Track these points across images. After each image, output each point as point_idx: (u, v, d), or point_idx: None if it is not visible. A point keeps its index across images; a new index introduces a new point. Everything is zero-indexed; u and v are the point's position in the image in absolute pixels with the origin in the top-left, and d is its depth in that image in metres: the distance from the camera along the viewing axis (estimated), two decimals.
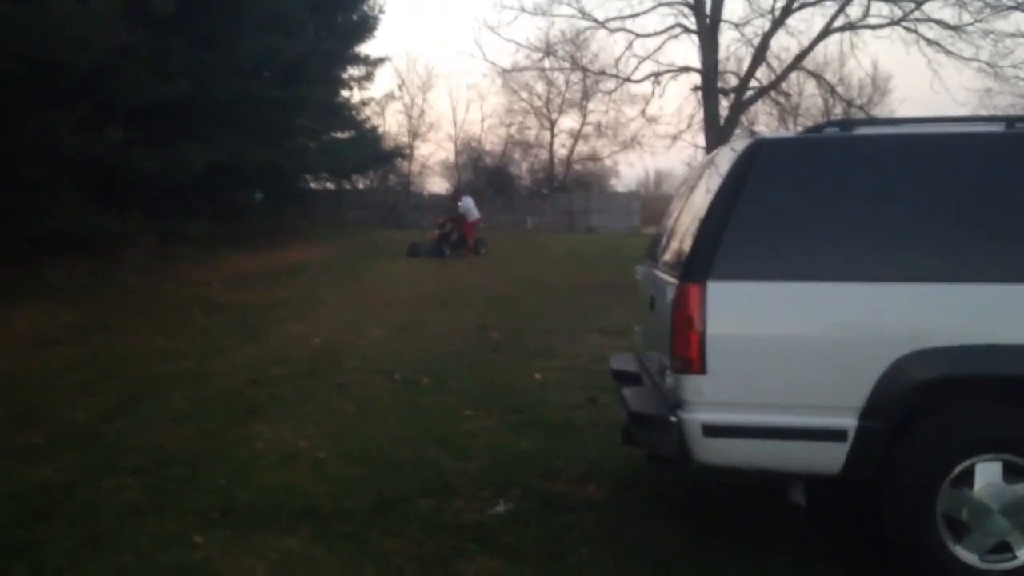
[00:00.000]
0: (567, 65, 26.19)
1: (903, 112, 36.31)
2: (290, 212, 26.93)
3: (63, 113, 12.75)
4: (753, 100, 23.73)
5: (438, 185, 43.06)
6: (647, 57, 23.09)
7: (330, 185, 35.01)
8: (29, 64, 12.10)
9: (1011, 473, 3.30)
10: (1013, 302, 3.32)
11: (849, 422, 3.34)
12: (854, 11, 21.38)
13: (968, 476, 3.32)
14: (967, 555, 3.33)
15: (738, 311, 3.46)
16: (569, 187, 40.93)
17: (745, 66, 22.90)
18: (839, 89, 26.79)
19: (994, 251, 3.39)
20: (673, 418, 3.49)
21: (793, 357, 3.43)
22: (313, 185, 32.33)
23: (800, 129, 4.40)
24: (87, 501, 4.46)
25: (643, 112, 25.73)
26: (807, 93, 29.09)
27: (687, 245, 3.69)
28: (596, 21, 22.67)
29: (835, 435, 3.36)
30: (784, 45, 39.11)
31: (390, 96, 35.93)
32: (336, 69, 27.99)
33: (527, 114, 42.71)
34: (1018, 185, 3.47)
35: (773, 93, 23.90)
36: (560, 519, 4.22)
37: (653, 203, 37.22)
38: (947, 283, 3.37)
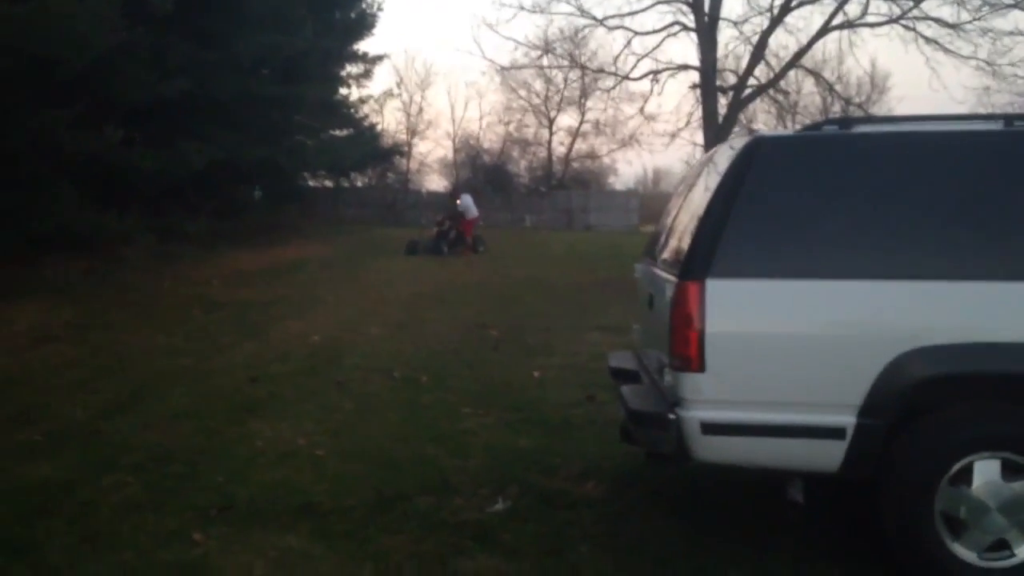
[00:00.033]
0: (566, 63, 26.31)
1: (901, 110, 36.34)
2: (289, 210, 26.93)
3: (62, 111, 12.75)
4: (752, 98, 23.78)
5: (436, 183, 43.07)
6: (646, 55, 23.22)
7: (328, 183, 34.96)
8: (28, 62, 12.10)
9: (1009, 471, 3.31)
10: (1012, 300, 3.33)
11: (848, 420, 3.35)
12: (853, 9, 21.48)
13: (966, 474, 3.32)
14: (965, 553, 3.34)
15: (737, 309, 3.47)
16: (567, 185, 40.90)
17: (744, 64, 22.97)
18: (837, 87, 26.86)
19: (993, 249, 3.39)
20: (672, 416, 3.49)
21: (792, 355, 3.43)
22: (312, 183, 32.31)
23: (799, 127, 4.40)
24: (86, 499, 4.46)
25: (642, 110, 25.86)
26: (805, 91, 29.10)
27: (686, 243, 3.69)
28: (595, 19, 22.79)
29: (834, 433, 3.36)
30: (783, 43, 39.20)
31: (388, 94, 35.88)
32: (334, 67, 27.96)
33: (526, 112, 42.69)
34: (1017, 183, 3.48)
35: (772, 91, 23.96)
36: (559, 517, 4.23)
37: (651, 201, 37.20)
38: (946, 281, 3.37)
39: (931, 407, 3.42)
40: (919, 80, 56.90)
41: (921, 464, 3.34)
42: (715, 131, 20.95)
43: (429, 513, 4.27)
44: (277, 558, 3.78)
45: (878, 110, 35.13)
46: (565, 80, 37.95)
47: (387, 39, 71.36)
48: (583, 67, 26.55)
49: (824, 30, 21.62)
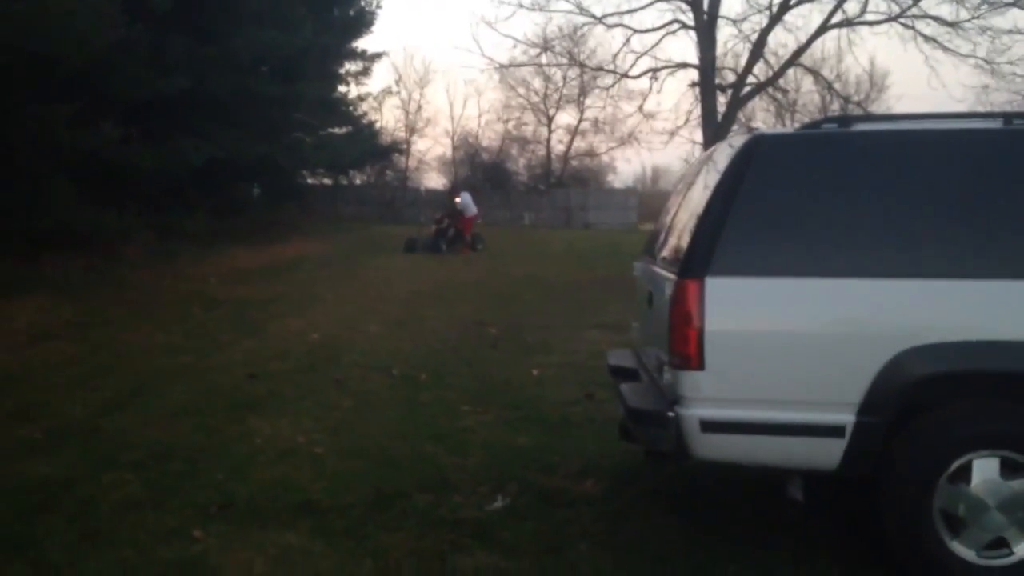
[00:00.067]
0: (565, 61, 26.31)
1: (900, 109, 36.38)
2: (288, 207, 26.88)
3: (61, 108, 12.73)
4: (750, 96, 23.78)
5: (435, 181, 43.01)
6: (645, 53, 23.19)
7: (327, 180, 34.92)
8: (27, 59, 12.08)
9: (1008, 469, 3.31)
10: (1012, 298, 3.33)
11: (847, 418, 3.35)
12: (852, 7, 21.46)
13: (965, 472, 3.33)
14: (964, 551, 3.34)
15: (736, 307, 3.47)
16: (566, 183, 40.86)
17: (743, 62, 22.95)
18: (836, 85, 26.87)
19: (992, 247, 3.40)
20: (671, 414, 3.49)
21: (791, 353, 3.43)
22: (310, 181, 32.26)
23: (798, 125, 4.40)
24: (86, 496, 4.46)
25: (640, 108, 25.85)
26: (804, 89, 29.10)
27: (685, 241, 3.69)
28: (594, 17, 22.75)
29: (833, 431, 3.37)
30: (782, 41, 39.18)
31: (387, 91, 35.80)
32: (333, 64, 27.92)
33: (524, 110, 42.64)
34: (1016, 181, 3.48)
35: (770, 89, 23.96)
36: (558, 515, 4.23)
37: (650, 199, 37.21)
38: (946, 279, 3.38)
39: (930, 405, 3.42)
40: (918, 78, 57.07)
41: (920, 462, 3.35)
42: (714, 129, 20.94)
43: (428, 511, 4.28)
44: (277, 555, 3.78)
45: (877, 108, 35.17)
46: (564, 78, 37.94)
47: (386, 37, 71.53)
48: (582, 65, 26.54)
49: (823, 28, 21.63)
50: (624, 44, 23.83)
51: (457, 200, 21.81)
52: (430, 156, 45.18)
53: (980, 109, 19.06)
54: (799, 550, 3.78)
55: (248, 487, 4.59)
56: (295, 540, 3.93)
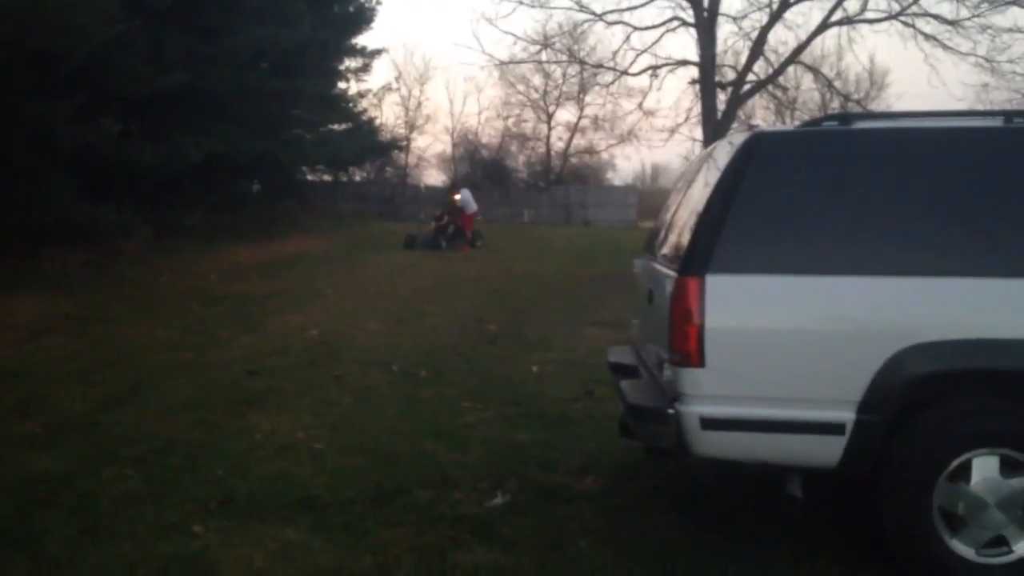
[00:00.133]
0: (564, 58, 26.20)
1: (900, 107, 36.29)
2: (287, 204, 26.84)
3: (60, 104, 12.72)
4: (751, 94, 23.71)
5: (435, 177, 43.06)
6: (645, 50, 23.12)
7: (327, 177, 34.89)
8: (26, 54, 12.06)
9: (1008, 467, 3.32)
10: (1012, 296, 3.33)
11: (847, 416, 3.35)
12: (852, 5, 21.43)
13: (965, 470, 3.33)
14: (963, 549, 3.35)
15: (736, 304, 3.47)
16: (566, 180, 40.87)
17: (743, 60, 22.86)
18: (836, 83, 26.81)
19: (992, 246, 3.40)
20: (671, 411, 3.50)
21: (791, 351, 3.44)
22: (310, 177, 32.23)
23: (798, 123, 4.40)
24: (86, 491, 4.47)
25: (640, 105, 25.74)
26: (804, 87, 29.01)
27: (685, 238, 3.69)
28: (594, 14, 22.66)
29: (833, 428, 3.37)
30: (782, 39, 38.97)
31: (387, 88, 35.95)
32: (333, 60, 27.87)
33: (524, 107, 42.62)
34: (1016, 180, 3.48)
35: (771, 87, 23.87)
36: (558, 511, 4.24)
37: (650, 196, 37.22)
38: (946, 277, 3.38)
39: (930, 403, 3.42)
40: (918, 77, 57.09)
41: (920, 460, 3.35)
42: (714, 127, 20.89)
43: (428, 507, 4.28)
44: (276, 551, 3.78)
45: (877, 106, 35.18)
46: (564, 75, 37.96)
47: (386, 33, 71.46)
48: (582, 62, 26.45)
49: (823, 26, 21.56)
50: (624, 41, 23.90)
51: (457, 197, 21.79)
52: (430, 153, 45.29)
53: (980, 107, 19.06)
54: (799, 549, 3.78)
55: (248, 483, 4.60)
56: (295, 536, 3.93)
